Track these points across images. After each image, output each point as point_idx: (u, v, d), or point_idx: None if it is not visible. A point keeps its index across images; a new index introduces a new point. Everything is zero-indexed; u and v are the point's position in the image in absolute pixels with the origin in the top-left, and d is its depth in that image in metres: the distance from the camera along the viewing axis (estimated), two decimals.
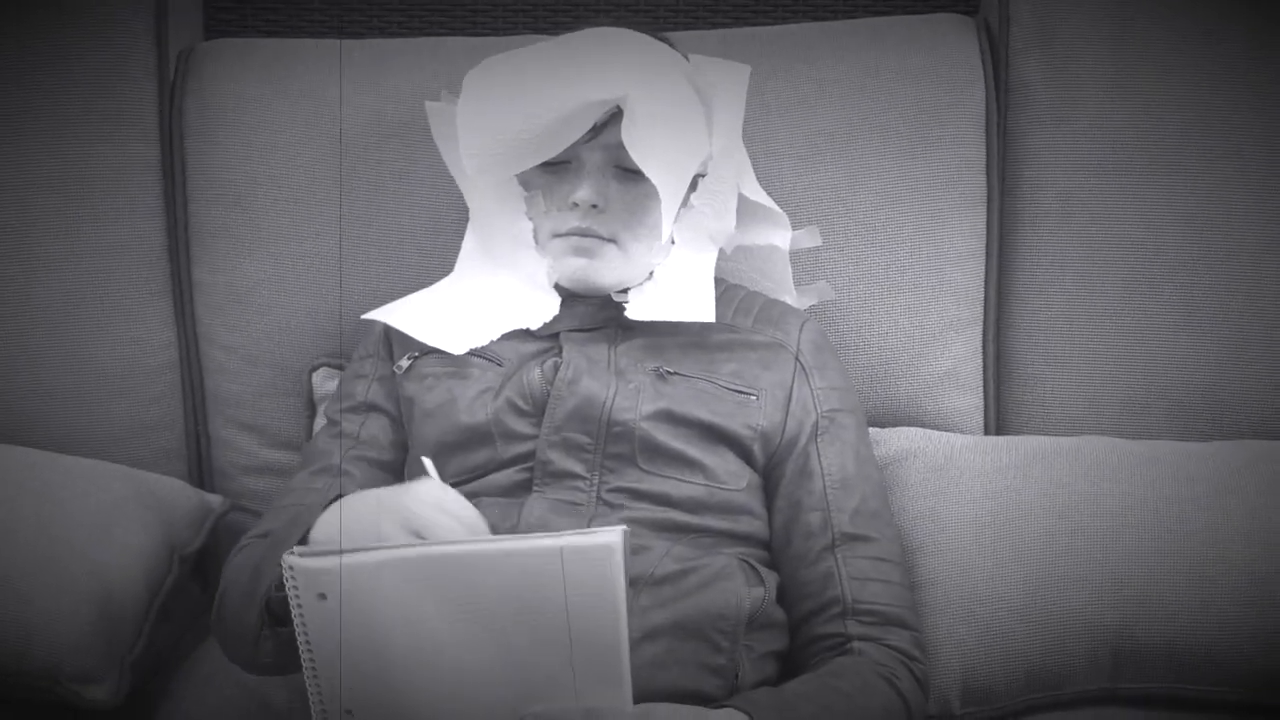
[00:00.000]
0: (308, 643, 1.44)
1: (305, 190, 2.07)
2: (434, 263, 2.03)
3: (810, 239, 1.98)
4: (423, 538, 1.48)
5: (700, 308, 1.79)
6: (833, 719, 1.60)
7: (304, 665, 1.45)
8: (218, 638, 1.67)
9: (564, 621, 1.44)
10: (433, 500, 1.52)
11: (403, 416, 1.82)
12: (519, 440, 1.74)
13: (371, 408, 1.82)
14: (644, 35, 1.84)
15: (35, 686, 1.76)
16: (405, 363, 1.82)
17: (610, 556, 1.42)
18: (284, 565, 1.41)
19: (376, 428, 1.81)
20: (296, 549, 1.42)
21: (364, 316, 1.88)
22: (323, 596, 1.42)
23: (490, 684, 1.47)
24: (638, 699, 1.51)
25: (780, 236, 1.94)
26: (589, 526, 1.67)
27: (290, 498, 1.78)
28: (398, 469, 1.80)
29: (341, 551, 1.43)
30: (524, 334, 1.81)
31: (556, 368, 1.76)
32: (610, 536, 1.42)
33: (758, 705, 1.58)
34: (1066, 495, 1.88)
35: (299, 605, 1.42)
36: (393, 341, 1.86)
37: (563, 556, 1.42)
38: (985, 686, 1.80)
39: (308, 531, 1.57)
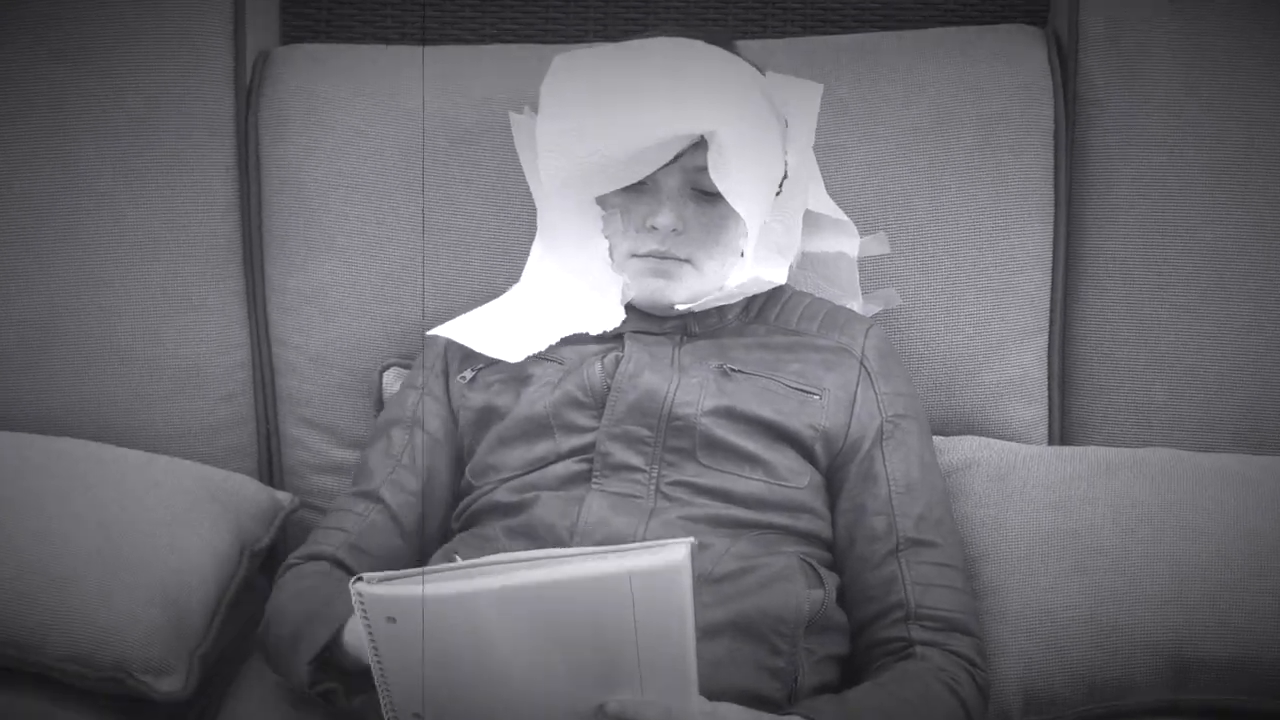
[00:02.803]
0: (378, 658, 1.46)
1: (378, 194, 2.09)
2: (500, 267, 2.05)
3: (879, 245, 1.99)
4: None
5: (769, 282, 1.81)
6: None
7: (375, 676, 1.47)
8: (262, 655, 1.75)
9: (632, 638, 1.44)
10: None
11: (457, 429, 1.84)
12: (578, 432, 1.75)
13: (416, 423, 1.84)
14: (722, 51, 1.85)
15: (108, 678, 1.78)
16: (469, 374, 1.84)
17: (678, 576, 1.42)
18: (352, 591, 1.43)
19: (418, 446, 1.84)
20: (366, 575, 1.44)
21: (428, 333, 1.90)
22: (391, 620, 1.43)
23: (558, 695, 1.48)
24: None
25: (848, 244, 1.95)
26: (649, 524, 1.69)
27: (332, 519, 1.82)
28: (430, 494, 1.82)
29: (415, 575, 1.44)
30: (586, 335, 1.83)
31: (618, 361, 1.78)
32: (677, 555, 1.42)
33: (821, 713, 1.59)
34: (1131, 507, 1.88)
35: (369, 626, 1.44)
36: (449, 358, 1.87)
37: (631, 581, 1.42)
38: (1046, 695, 1.80)
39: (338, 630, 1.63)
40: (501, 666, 1.45)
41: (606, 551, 1.44)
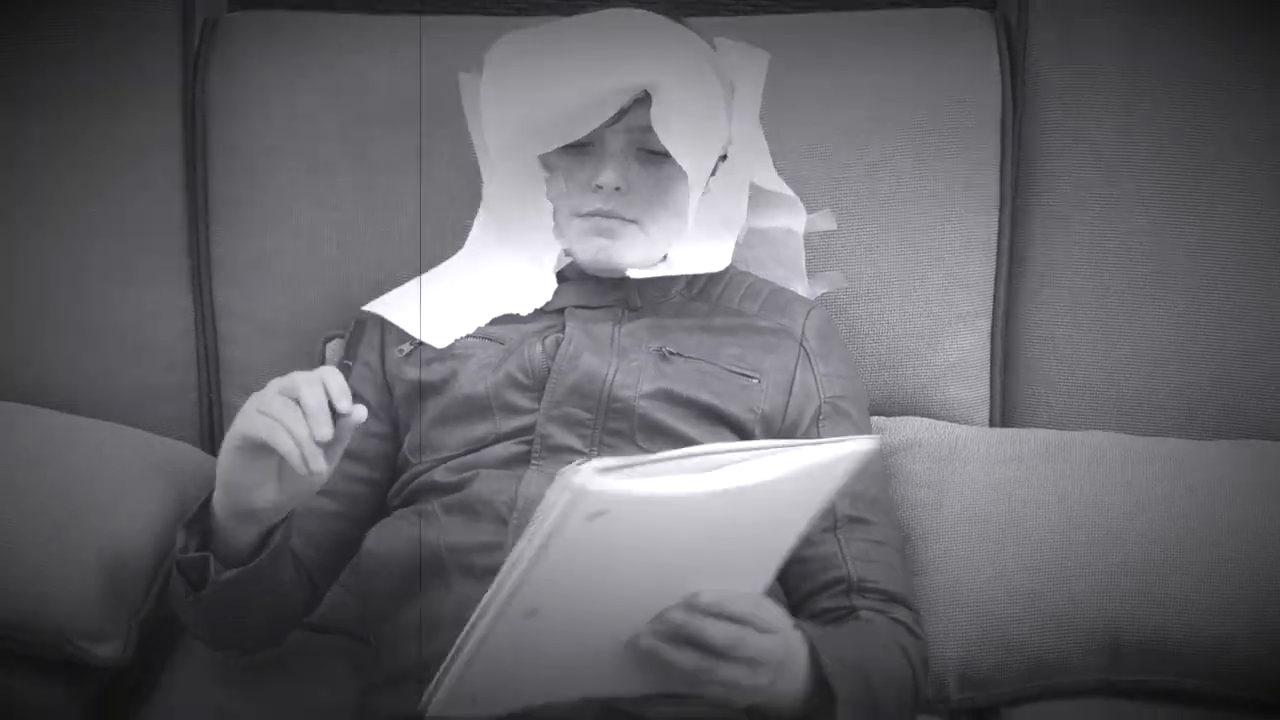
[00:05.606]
0: (545, 549, 1.31)
1: (325, 164, 2.08)
2: (449, 239, 2.04)
3: (825, 222, 1.99)
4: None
5: (713, 261, 1.80)
6: (871, 662, 1.59)
7: (504, 566, 1.35)
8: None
9: (796, 528, 1.42)
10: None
11: (392, 403, 1.82)
12: (518, 414, 1.75)
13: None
14: (667, 19, 1.85)
15: (46, 644, 1.78)
16: (406, 347, 1.83)
17: (872, 461, 1.42)
18: (569, 482, 1.29)
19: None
20: (597, 462, 1.29)
21: (363, 309, 1.88)
22: (594, 516, 1.29)
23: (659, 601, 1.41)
24: None
25: (795, 220, 1.96)
26: None
27: None
28: (372, 480, 1.81)
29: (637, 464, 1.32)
30: (526, 314, 1.82)
31: (558, 343, 1.77)
32: (868, 444, 1.40)
33: (807, 631, 1.55)
34: (1070, 488, 1.90)
35: (563, 517, 1.29)
36: (386, 330, 1.85)
37: (837, 466, 1.39)
38: (982, 673, 1.82)
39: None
40: (648, 569, 1.37)
41: (797, 448, 1.38)
